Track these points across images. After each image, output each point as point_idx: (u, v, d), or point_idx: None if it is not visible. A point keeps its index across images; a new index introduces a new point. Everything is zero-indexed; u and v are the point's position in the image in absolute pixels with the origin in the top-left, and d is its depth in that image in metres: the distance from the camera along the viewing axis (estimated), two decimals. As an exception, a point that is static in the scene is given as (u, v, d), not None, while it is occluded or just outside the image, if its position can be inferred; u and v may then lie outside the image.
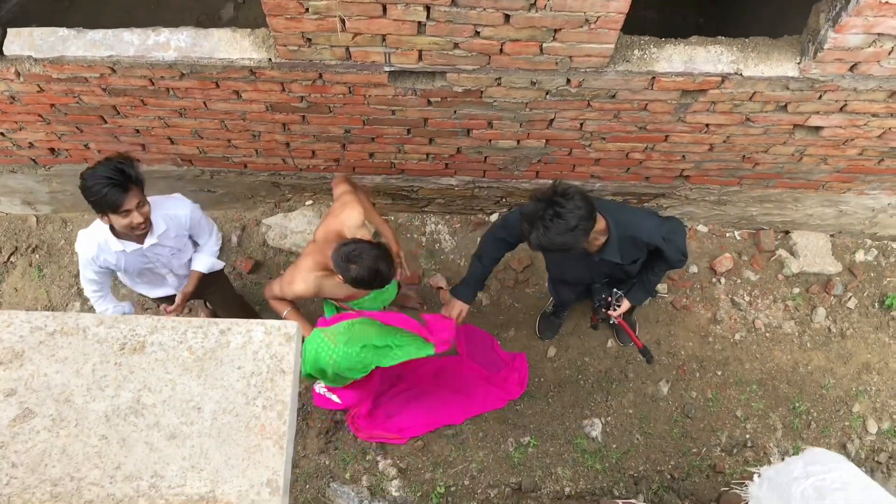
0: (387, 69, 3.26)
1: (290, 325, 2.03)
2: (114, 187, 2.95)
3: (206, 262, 3.64)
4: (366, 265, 3.08)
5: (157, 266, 3.48)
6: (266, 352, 1.98)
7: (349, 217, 3.37)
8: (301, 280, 3.32)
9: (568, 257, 3.09)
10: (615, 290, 3.63)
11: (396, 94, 3.44)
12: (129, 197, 3.00)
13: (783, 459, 3.37)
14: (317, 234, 3.43)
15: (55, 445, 1.84)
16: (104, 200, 2.98)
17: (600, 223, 3.02)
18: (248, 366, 1.96)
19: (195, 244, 3.63)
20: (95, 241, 3.27)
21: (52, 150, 4.07)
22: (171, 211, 3.35)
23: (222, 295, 4.11)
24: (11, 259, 4.77)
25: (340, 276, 3.16)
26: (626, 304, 3.65)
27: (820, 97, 3.39)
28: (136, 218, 3.09)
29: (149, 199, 3.17)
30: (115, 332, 1.97)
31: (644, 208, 3.36)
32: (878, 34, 2.97)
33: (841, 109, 3.47)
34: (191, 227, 3.46)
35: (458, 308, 3.52)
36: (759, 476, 3.35)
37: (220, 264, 3.73)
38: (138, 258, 3.36)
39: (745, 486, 3.41)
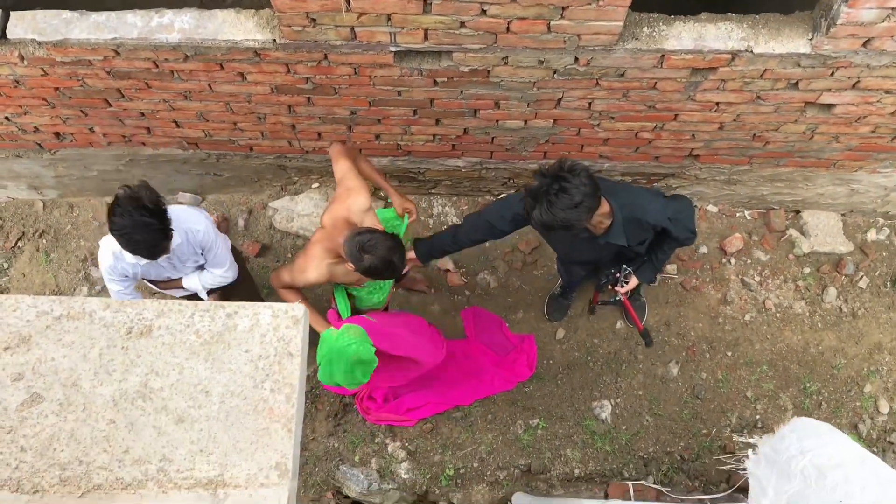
0: (392, 49, 3.23)
1: (298, 309, 2.02)
2: (157, 236, 2.92)
3: (194, 283, 3.56)
4: (379, 256, 3.07)
5: (171, 271, 3.47)
6: (273, 335, 1.97)
7: (355, 202, 3.34)
8: (314, 268, 3.30)
9: (575, 240, 3.07)
10: (624, 266, 3.61)
11: (402, 74, 3.41)
12: (168, 246, 3.02)
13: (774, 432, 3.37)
14: (323, 219, 3.40)
15: (63, 430, 1.84)
16: (143, 253, 2.98)
17: (604, 206, 3.00)
18: (256, 349, 1.95)
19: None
20: (111, 251, 3.24)
21: (57, 134, 4.06)
22: (189, 225, 3.30)
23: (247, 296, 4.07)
24: (19, 244, 4.78)
25: (351, 265, 3.15)
26: (633, 282, 3.63)
27: (832, 74, 3.34)
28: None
29: (169, 208, 3.15)
30: (122, 316, 1.96)
31: (650, 188, 3.33)
32: (892, 9, 2.93)
33: (853, 86, 3.43)
34: (202, 243, 3.39)
35: (412, 258, 3.60)
36: (754, 453, 3.35)
37: (203, 294, 3.62)
38: (152, 267, 3.35)
39: (742, 461, 3.42)
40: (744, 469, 3.39)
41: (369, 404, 4.31)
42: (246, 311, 1.99)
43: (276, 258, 4.72)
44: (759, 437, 3.43)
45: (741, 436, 3.67)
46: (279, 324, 1.99)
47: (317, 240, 3.35)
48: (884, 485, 2.75)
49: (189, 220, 3.31)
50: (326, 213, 3.39)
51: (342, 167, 3.43)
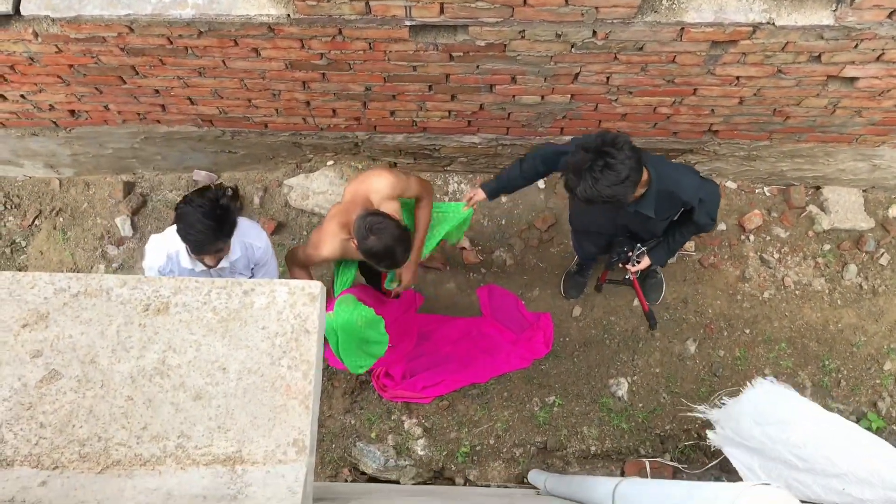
0: (408, 23, 3.19)
1: (314, 286, 2.01)
2: (209, 233, 2.91)
3: None
4: (383, 242, 3.06)
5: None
6: (290, 312, 1.97)
7: (378, 183, 3.31)
8: (328, 243, 3.29)
9: (596, 207, 3.04)
10: (638, 245, 3.57)
11: (418, 49, 3.37)
12: (214, 248, 2.99)
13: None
14: (344, 194, 3.39)
15: (82, 406, 1.85)
16: (190, 240, 2.95)
17: (643, 174, 2.95)
18: (273, 326, 1.95)
19: None
20: (166, 252, 3.22)
21: (72, 111, 4.06)
22: (250, 240, 3.29)
23: None
24: (36, 222, 4.80)
25: (355, 241, 3.13)
26: (645, 262, 3.60)
27: (856, 46, 3.28)
28: (210, 261, 3.06)
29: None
30: (139, 293, 1.96)
31: (685, 165, 3.29)
32: (920, -22, 2.86)
33: (878, 59, 3.36)
34: (259, 259, 3.37)
35: (478, 194, 3.59)
36: (715, 431, 3.49)
37: None
38: (203, 274, 3.32)
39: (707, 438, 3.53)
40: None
41: (386, 381, 4.32)
42: (262, 289, 1.98)
43: (292, 236, 4.72)
44: (715, 406, 3.53)
45: (700, 408, 3.70)
46: (296, 301, 1.98)
47: (332, 215, 3.34)
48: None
49: (251, 234, 3.30)
50: (349, 188, 3.37)
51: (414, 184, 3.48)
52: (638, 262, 3.60)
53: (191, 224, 2.89)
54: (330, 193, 4.61)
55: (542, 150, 3.39)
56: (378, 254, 3.09)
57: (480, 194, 3.59)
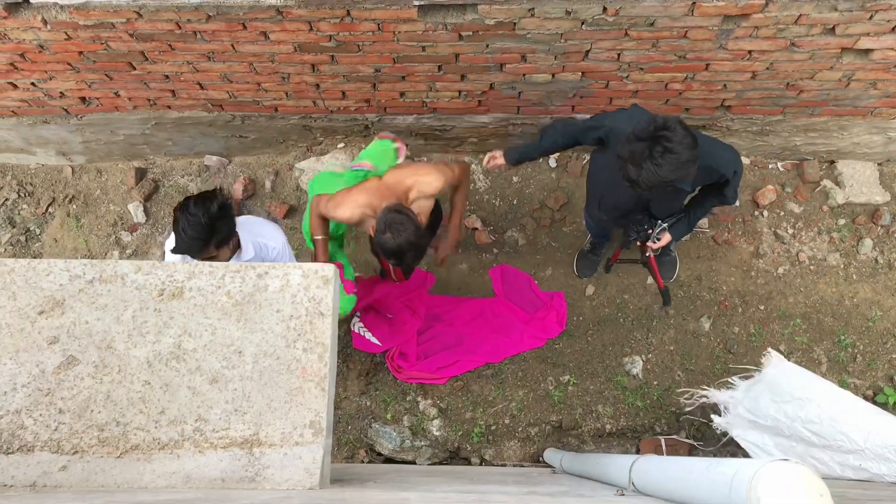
0: (416, 3, 3.17)
1: (328, 269, 2.01)
2: (196, 243, 2.94)
3: None
4: (397, 242, 3.11)
5: None
6: (304, 295, 1.97)
7: (424, 184, 3.35)
8: (349, 208, 3.35)
9: (620, 180, 3.02)
10: (660, 221, 3.52)
11: (426, 29, 3.35)
12: (203, 254, 3.00)
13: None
14: (388, 176, 3.40)
15: (100, 391, 1.86)
16: (181, 247, 2.98)
17: None
18: (287, 309, 1.95)
19: None
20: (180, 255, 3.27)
21: (83, 98, 4.06)
22: (264, 240, 3.31)
23: None
24: (49, 210, 4.82)
25: (373, 228, 3.17)
26: (666, 238, 3.56)
27: (871, 17, 3.23)
28: (209, 262, 3.10)
29: (245, 218, 3.10)
30: (153, 278, 1.97)
31: (711, 137, 3.24)
32: (936, -54, 2.81)
33: (893, 30, 3.31)
34: (274, 260, 3.37)
35: (497, 158, 3.58)
36: (723, 415, 3.53)
37: None
38: None
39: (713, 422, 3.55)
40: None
41: (401, 362, 4.33)
42: (276, 272, 1.99)
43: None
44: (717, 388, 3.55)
45: (700, 393, 3.72)
46: (309, 284, 1.98)
47: (368, 188, 3.37)
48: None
49: (266, 234, 3.32)
50: (396, 172, 3.40)
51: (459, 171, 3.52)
52: (658, 240, 3.57)
53: (178, 232, 2.96)
54: (341, 176, 4.60)
55: (562, 125, 3.37)
56: (389, 249, 3.15)
57: (500, 160, 3.58)
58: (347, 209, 3.35)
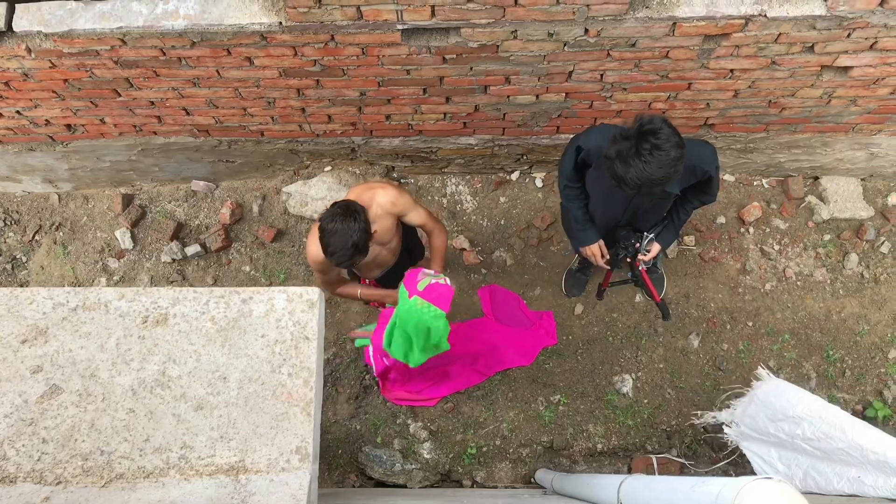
0: (399, 27, 3.19)
1: (313, 292, 2.01)
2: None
3: None
4: (328, 232, 2.99)
5: None
6: (289, 319, 1.97)
7: (383, 196, 3.28)
8: (313, 242, 3.20)
9: (612, 192, 3.01)
10: (644, 233, 3.52)
11: (411, 52, 3.37)
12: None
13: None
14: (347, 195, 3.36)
15: (83, 420, 1.85)
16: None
17: None
18: (272, 334, 1.95)
19: None
20: None
21: (68, 126, 4.07)
22: None
23: None
24: (36, 237, 4.81)
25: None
26: (655, 248, 3.55)
27: (849, 35, 3.27)
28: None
29: None
30: (137, 305, 1.96)
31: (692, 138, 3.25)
32: (910, -35, 2.85)
33: (871, 47, 3.35)
34: None
35: (594, 248, 3.57)
36: (730, 426, 3.55)
37: None
38: None
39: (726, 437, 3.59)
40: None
41: (391, 383, 4.31)
42: (261, 297, 1.99)
43: (292, 243, 4.72)
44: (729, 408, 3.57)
45: (710, 414, 3.76)
46: (294, 308, 1.98)
47: None
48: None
49: None
50: (352, 192, 3.33)
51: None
52: (647, 251, 3.58)
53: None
54: (328, 199, 4.61)
55: (562, 172, 3.36)
56: (326, 246, 3.03)
57: (596, 246, 3.58)
58: (314, 244, 3.21)
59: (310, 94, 3.74)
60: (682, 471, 4.19)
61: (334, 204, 3.06)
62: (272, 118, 3.99)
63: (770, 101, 3.81)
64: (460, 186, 4.78)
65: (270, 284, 4.67)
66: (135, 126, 4.06)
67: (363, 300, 3.76)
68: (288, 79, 3.59)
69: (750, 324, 4.46)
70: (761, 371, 3.38)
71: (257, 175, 4.77)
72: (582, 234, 3.55)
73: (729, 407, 3.62)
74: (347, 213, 3.00)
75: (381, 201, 3.28)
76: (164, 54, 3.36)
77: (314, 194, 4.65)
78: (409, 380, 4.30)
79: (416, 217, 3.42)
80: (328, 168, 4.70)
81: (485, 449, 4.29)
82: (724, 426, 3.63)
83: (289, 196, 4.73)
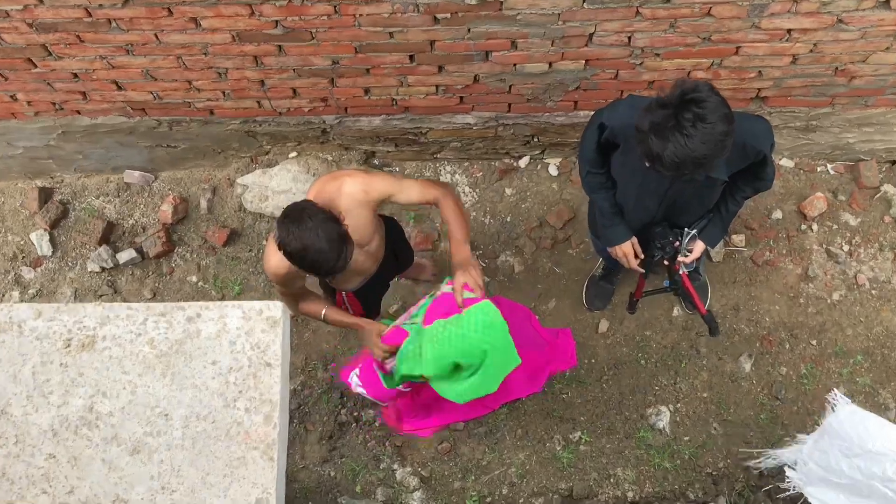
0: (380, -20, 3.21)
1: (274, 307, 2.01)
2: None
3: None
4: (298, 237, 2.87)
5: None
6: (246, 341, 1.97)
7: (350, 185, 3.25)
8: (273, 252, 3.10)
9: (644, 179, 2.98)
10: (685, 229, 3.48)
11: (394, 11, 3.38)
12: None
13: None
14: (308, 194, 3.34)
15: (-8, 468, 1.84)
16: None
17: None
18: (225, 360, 1.95)
19: None
20: None
21: (-29, 104, 4.07)
22: None
23: None
24: (-68, 242, 4.80)
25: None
26: (699, 248, 3.52)
27: (935, -14, 3.29)
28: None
29: None
30: (58, 325, 1.96)
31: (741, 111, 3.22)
32: None
33: (960, 2, 3.38)
34: None
35: (626, 247, 3.55)
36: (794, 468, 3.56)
37: None
38: None
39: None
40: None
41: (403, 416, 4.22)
42: (211, 314, 1.98)
43: (249, 246, 4.71)
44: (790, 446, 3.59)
45: (770, 453, 3.77)
46: (252, 327, 1.98)
47: None
48: None
49: None
50: (314, 186, 3.31)
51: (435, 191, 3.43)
52: (689, 252, 3.55)
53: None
54: (294, 192, 4.61)
55: (582, 156, 3.35)
56: (293, 254, 2.91)
57: (625, 245, 3.57)
58: (273, 254, 3.09)
59: (270, 62, 3.74)
60: (733, 524, 4.20)
61: (282, 215, 2.99)
62: (224, 93, 3.99)
63: (836, 68, 3.83)
64: (456, 176, 4.78)
65: (223, 298, 4.66)
66: (54, 104, 4.06)
67: (327, 323, 3.71)
68: (243, 44, 3.59)
69: (814, 342, 4.47)
70: (835, 395, 3.37)
71: (206, 163, 4.77)
72: (610, 230, 3.54)
73: (792, 443, 3.61)
74: (302, 214, 2.94)
75: (350, 190, 3.23)
76: (90, 15, 3.37)
77: (276, 186, 4.65)
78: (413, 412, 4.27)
79: (410, 194, 3.37)
80: (293, 154, 4.70)
81: (489, 499, 4.29)
82: (786, 468, 3.62)
83: (245, 189, 4.73)
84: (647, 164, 2.83)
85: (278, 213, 4.54)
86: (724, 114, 2.69)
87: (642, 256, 3.60)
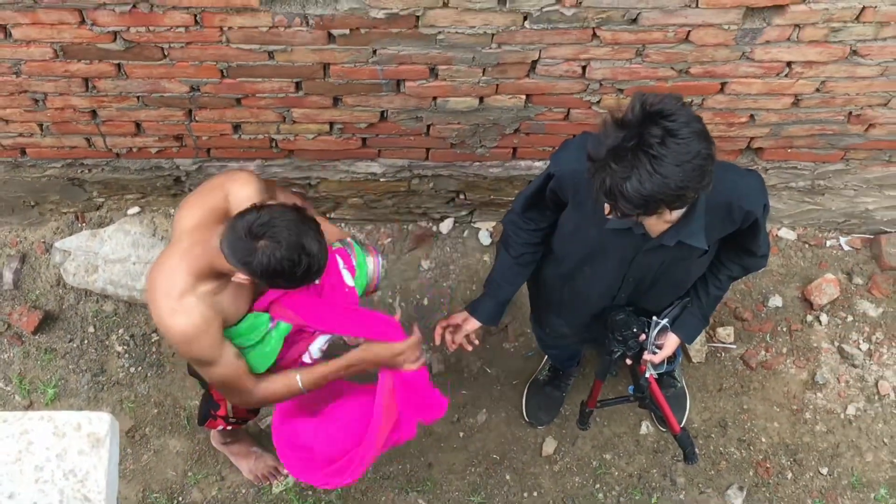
0: (257, -19, 3.24)
1: (100, 420, 1.97)
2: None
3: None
4: (285, 238, 2.91)
5: None
6: (58, 467, 1.92)
7: (241, 189, 3.24)
8: (182, 312, 3.09)
9: (602, 245, 3.00)
10: (654, 318, 3.46)
11: (275, 23, 3.40)
12: None
13: None
14: (180, 227, 3.25)
15: None
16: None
17: None
18: (28, 493, 1.90)
19: None
20: None
21: None
22: None
23: None
24: None
25: (242, 270, 3.04)
26: (671, 344, 3.51)
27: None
28: None
29: None
30: None
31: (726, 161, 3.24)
32: None
33: None
34: None
35: (467, 323, 3.61)
36: None
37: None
38: None
39: None
40: None
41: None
42: (9, 429, 1.93)
43: (70, 334, 4.63)
44: None
45: None
46: (67, 448, 1.94)
47: (169, 268, 3.20)
48: None
49: None
50: (185, 214, 3.25)
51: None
52: (658, 349, 3.53)
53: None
54: (134, 260, 4.57)
55: (516, 205, 3.38)
56: (286, 262, 2.92)
57: (472, 322, 3.61)
58: (182, 313, 3.08)
59: (106, 87, 3.74)
60: None
61: (235, 228, 3.01)
62: (41, 126, 3.97)
63: (850, 113, 3.95)
64: (358, 237, 4.79)
65: (30, 406, 4.57)
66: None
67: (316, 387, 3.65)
68: (69, 62, 3.58)
69: (824, 471, 4.52)
70: None
71: (13, 220, 4.71)
72: (482, 297, 3.61)
73: None
74: (264, 215, 2.98)
75: (244, 194, 3.24)
76: None
77: (110, 253, 4.60)
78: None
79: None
80: (134, 210, 4.68)
81: None
82: None
83: (66, 256, 4.67)
84: (606, 214, 2.83)
85: (114, 290, 4.55)
86: (700, 129, 2.61)
87: (472, 326, 3.64)
